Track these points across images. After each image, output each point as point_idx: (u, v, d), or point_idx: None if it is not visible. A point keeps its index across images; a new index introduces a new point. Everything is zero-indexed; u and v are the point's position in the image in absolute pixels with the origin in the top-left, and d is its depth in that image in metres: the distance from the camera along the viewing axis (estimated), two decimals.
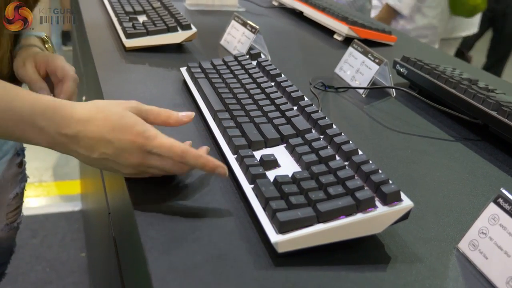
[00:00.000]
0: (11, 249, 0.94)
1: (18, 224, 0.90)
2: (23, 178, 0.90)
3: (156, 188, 0.56)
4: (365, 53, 0.99)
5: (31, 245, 1.90)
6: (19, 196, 0.89)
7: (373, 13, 2.36)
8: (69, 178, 2.36)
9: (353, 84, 0.99)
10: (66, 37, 3.69)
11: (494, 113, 0.78)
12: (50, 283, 1.74)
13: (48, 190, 2.29)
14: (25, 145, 0.90)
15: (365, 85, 0.96)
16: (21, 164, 0.89)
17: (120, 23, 1.05)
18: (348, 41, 1.17)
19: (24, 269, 1.78)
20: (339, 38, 1.33)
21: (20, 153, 0.88)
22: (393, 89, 0.98)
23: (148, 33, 1.00)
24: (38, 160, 2.46)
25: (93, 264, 1.44)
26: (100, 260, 1.09)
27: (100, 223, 1.06)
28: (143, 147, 0.53)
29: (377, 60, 0.95)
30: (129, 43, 0.98)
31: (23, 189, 0.90)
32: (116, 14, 1.10)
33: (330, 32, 1.37)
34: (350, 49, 1.04)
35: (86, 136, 0.52)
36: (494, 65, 3.47)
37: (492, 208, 0.52)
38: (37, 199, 2.22)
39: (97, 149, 0.53)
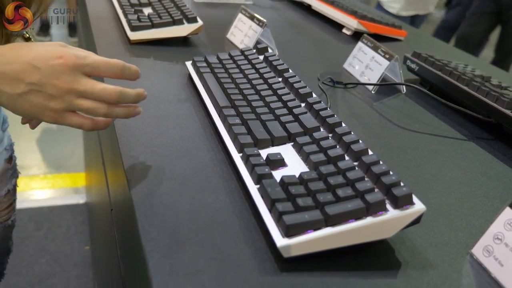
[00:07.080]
0: (8, 248, 0.91)
1: (13, 222, 0.87)
2: (14, 174, 0.86)
3: (158, 187, 0.54)
4: (375, 48, 0.97)
5: (35, 237, 1.90)
6: (11, 193, 0.85)
7: None
8: (74, 170, 2.35)
9: (362, 80, 0.96)
10: (72, 28, 3.67)
11: (508, 112, 0.76)
12: (53, 276, 1.74)
13: (52, 182, 2.28)
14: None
15: (374, 81, 0.93)
16: (11, 160, 0.85)
17: (125, 15, 1.03)
18: (357, 35, 1.14)
19: (28, 261, 1.78)
20: (348, 33, 1.31)
21: (8, 148, 0.84)
22: (404, 86, 0.96)
23: (153, 25, 0.98)
24: (43, 152, 2.46)
25: (97, 258, 1.43)
26: (104, 255, 1.08)
27: (103, 218, 1.04)
28: (75, 67, 0.50)
29: (387, 56, 0.93)
30: (134, 35, 0.96)
31: (14, 185, 0.86)
32: (121, 6, 1.08)
33: (338, 26, 1.34)
34: (360, 44, 1.01)
35: (9, 67, 0.49)
36: (501, 60, 3.38)
37: (508, 213, 0.50)
38: (42, 191, 2.21)
39: (22, 80, 0.49)
